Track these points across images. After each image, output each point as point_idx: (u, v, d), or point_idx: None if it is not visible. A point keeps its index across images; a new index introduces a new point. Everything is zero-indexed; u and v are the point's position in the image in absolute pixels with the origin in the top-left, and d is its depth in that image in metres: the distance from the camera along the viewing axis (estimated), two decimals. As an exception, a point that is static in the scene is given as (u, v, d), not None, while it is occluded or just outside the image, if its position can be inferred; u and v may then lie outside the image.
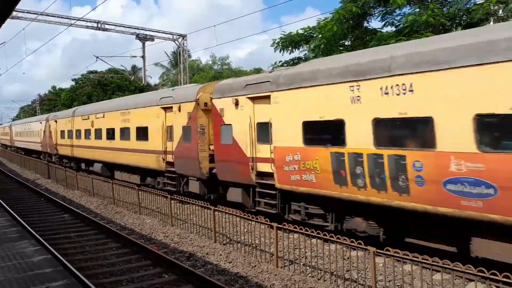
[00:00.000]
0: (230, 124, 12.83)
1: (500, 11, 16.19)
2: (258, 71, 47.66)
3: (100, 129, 22.73)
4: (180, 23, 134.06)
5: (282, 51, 20.72)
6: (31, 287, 5.91)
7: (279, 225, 9.12)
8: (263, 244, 10.02)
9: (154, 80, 65.19)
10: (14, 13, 25.80)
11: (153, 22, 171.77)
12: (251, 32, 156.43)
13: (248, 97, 12.23)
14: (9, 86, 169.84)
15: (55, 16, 28.38)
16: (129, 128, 19.33)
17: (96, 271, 9.03)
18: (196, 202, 12.34)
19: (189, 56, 47.04)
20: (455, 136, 7.25)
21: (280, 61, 21.67)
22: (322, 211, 10.43)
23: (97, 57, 34.19)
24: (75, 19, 29.00)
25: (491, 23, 16.51)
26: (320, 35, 19.05)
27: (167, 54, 55.99)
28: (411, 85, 7.92)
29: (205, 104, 14.34)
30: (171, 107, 16.00)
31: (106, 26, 30.54)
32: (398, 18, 18.28)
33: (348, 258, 8.66)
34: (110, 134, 21.44)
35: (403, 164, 8.02)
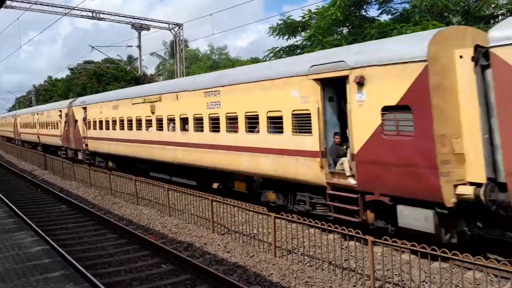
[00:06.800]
0: None
1: None
2: (257, 60, 47.37)
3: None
4: (182, 14, 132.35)
5: (279, 36, 20.43)
6: (30, 278, 5.91)
7: (277, 215, 9.13)
8: (261, 234, 10.03)
9: (150, 70, 64.91)
10: (8, 2, 25.40)
11: (154, 12, 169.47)
12: (254, 24, 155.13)
13: None
14: (8, 77, 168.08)
15: (49, 6, 27.98)
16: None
17: (94, 261, 9.04)
18: (193, 192, 12.26)
19: (186, 46, 46.61)
20: None
21: (277, 47, 21.44)
22: None
23: (92, 47, 33.68)
24: (69, 8, 28.60)
25: (490, 7, 16.43)
26: (318, 21, 18.79)
27: (164, 44, 55.57)
28: None
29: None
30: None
31: (102, 16, 30.11)
32: (400, 7, 18.15)
33: (346, 247, 8.69)
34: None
35: None
